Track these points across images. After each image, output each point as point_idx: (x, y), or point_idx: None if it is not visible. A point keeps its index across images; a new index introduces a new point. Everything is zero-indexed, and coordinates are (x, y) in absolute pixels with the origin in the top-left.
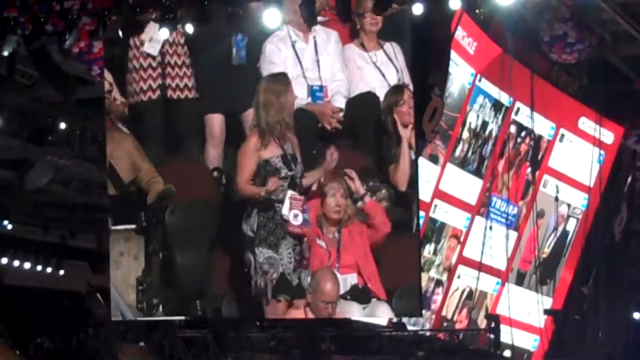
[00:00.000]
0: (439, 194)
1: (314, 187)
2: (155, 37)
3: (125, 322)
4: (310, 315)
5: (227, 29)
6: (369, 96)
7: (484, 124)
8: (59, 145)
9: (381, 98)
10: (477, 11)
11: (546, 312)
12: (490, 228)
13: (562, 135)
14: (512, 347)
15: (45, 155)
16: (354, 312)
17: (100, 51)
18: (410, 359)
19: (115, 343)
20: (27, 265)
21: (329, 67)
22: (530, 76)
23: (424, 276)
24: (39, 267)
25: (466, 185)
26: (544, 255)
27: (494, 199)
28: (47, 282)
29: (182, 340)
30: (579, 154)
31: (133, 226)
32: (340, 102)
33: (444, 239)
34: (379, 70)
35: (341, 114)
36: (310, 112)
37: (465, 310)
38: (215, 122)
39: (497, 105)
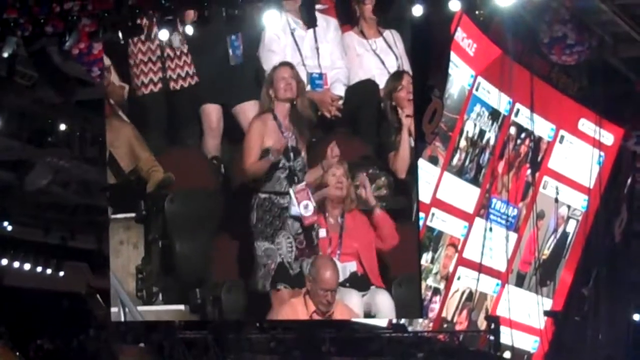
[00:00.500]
0: (436, 202)
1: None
2: (160, 36)
3: (125, 323)
4: (310, 303)
5: (226, 28)
6: (369, 84)
7: (482, 133)
8: (59, 147)
9: (381, 86)
10: (477, 12)
11: (546, 313)
12: (490, 229)
13: (562, 137)
14: (512, 349)
15: (45, 156)
16: (353, 299)
17: (100, 53)
18: None
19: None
20: (27, 266)
21: (329, 55)
22: (530, 78)
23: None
24: (39, 269)
25: (464, 194)
26: (544, 257)
27: (494, 200)
28: (47, 283)
29: (182, 342)
30: (579, 156)
31: (133, 215)
32: (339, 90)
33: (441, 248)
34: (379, 57)
35: (341, 102)
36: (309, 99)
37: (465, 312)
38: (213, 112)
39: (494, 114)
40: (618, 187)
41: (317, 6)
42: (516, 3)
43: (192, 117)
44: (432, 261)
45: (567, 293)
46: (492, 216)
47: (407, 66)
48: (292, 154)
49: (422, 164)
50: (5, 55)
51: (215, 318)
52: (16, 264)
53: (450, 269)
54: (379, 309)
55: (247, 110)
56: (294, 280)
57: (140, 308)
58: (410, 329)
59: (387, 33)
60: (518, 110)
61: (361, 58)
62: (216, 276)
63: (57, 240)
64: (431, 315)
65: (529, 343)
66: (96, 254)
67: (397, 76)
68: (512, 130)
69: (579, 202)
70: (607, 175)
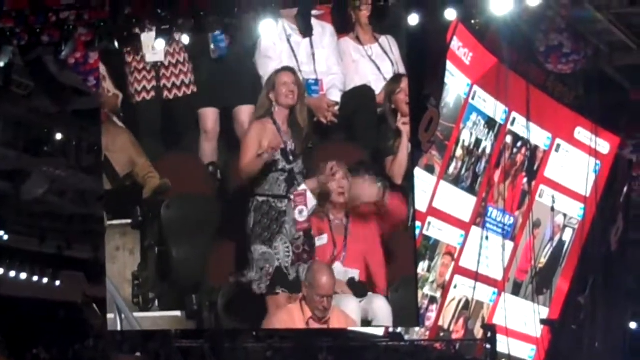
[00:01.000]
0: (432, 211)
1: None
2: (156, 45)
3: (121, 332)
4: (306, 309)
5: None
6: (365, 89)
7: (478, 142)
8: (55, 156)
9: (377, 91)
10: (472, 22)
11: (543, 321)
12: (487, 238)
13: (558, 146)
14: (509, 357)
15: (41, 166)
16: (350, 305)
17: (96, 62)
18: None
19: (111, 353)
20: (23, 275)
21: (325, 61)
22: (526, 86)
23: (418, 293)
24: (35, 278)
25: (460, 203)
26: (541, 265)
27: (490, 209)
28: (43, 292)
29: (178, 350)
30: (575, 164)
31: (129, 221)
32: (335, 96)
33: (437, 256)
34: (375, 63)
35: (337, 108)
36: (306, 105)
37: (461, 320)
38: (209, 116)
39: (490, 123)
40: (614, 196)
41: (313, 12)
42: (512, 12)
43: (188, 123)
44: (429, 270)
45: (563, 301)
46: (488, 225)
47: (403, 72)
48: (291, 157)
49: (419, 172)
50: (2, 64)
51: (211, 324)
52: (12, 274)
53: (447, 277)
54: (376, 315)
55: (243, 114)
56: (292, 285)
57: (137, 314)
58: (407, 337)
59: (383, 39)
60: (514, 119)
61: (357, 64)
62: (213, 281)
63: (53, 250)
64: (428, 324)
65: (525, 351)
66: (92, 263)
67: (395, 79)
68: (508, 139)
69: (575, 210)
70: (603, 183)
